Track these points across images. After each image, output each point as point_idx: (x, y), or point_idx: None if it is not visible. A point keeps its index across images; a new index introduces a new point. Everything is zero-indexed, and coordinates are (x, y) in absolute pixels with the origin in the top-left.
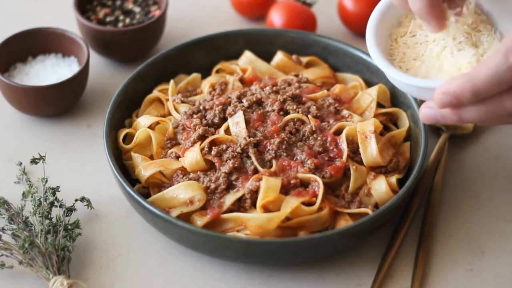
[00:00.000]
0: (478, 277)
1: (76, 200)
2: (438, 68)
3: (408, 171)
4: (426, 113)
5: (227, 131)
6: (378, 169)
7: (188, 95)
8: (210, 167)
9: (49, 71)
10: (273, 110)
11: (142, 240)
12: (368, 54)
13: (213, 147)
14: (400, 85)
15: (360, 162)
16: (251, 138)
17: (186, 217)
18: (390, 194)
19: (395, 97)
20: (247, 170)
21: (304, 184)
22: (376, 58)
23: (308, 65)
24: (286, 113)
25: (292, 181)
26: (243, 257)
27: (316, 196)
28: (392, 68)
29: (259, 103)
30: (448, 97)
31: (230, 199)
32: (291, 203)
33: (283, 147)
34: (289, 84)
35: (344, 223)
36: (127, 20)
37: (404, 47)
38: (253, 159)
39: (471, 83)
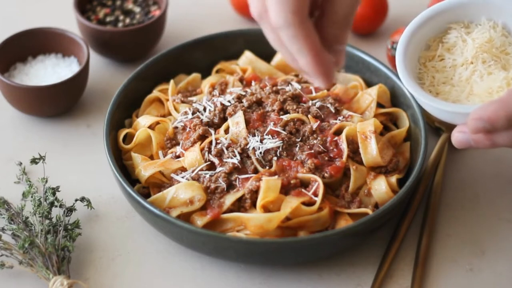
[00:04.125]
0: (478, 277)
1: (76, 200)
2: (468, 92)
3: (408, 171)
4: (459, 137)
5: (227, 131)
6: (378, 169)
7: (188, 95)
8: (210, 167)
9: (49, 71)
10: (273, 110)
11: (142, 240)
12: (368, 54)
13: (213, 147)
14: (431, 109)
15: (360, 162)
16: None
17: (186, 217)
18: (390, 194)
19: (395, 97)
20: (247, 170)
21: (304, 184)
22: (406, 83)
23: None
24: (286, 113)
25: (292, 181)
26: (243, 257)
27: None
28: (423, 93)
29: (259, 103)
30: (482, 123)
31: (230, 199)
32: (291, 203)
33: (283, 147)
34: (289, 84)
35: (344, 223)
36: (127, 20)
37: (433, 71)
38: (253, 159)
39: (505, 109)
